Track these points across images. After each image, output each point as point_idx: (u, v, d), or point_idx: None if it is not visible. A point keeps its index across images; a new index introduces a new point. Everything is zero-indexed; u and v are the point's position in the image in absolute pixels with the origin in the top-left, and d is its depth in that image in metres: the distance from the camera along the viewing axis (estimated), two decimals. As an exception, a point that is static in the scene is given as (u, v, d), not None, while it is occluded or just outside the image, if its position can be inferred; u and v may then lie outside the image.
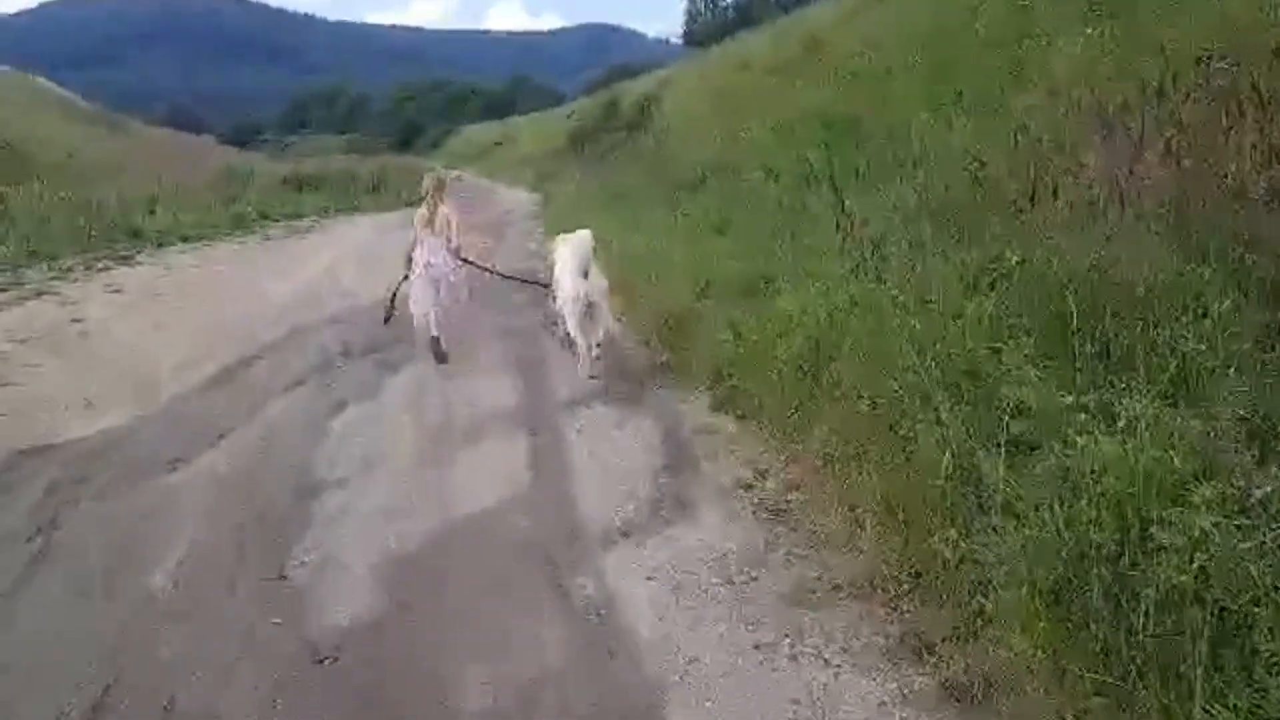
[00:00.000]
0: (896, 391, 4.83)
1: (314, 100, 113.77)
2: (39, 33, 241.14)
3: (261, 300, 11.73)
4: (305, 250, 17.28)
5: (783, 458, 5.53)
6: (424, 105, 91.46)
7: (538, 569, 4.46)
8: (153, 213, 20.38)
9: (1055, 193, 6.43)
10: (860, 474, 4.62)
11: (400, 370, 8.49)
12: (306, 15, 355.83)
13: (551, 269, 8.42)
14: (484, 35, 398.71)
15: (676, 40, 63.76)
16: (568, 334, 7.88)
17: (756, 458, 5.67)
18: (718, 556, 4.46)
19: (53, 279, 13.59)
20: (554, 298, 8.21)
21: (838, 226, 7.75)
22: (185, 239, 18.65)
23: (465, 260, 9.10)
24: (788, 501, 4.97)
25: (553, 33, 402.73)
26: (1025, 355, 4.60)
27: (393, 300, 9.16)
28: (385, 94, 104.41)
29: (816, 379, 5.73)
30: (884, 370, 5.10)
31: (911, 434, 4.49)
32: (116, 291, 12.73)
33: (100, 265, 15.12)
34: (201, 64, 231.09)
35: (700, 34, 56.41)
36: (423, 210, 8.90)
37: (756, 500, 5.06)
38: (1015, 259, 5.50)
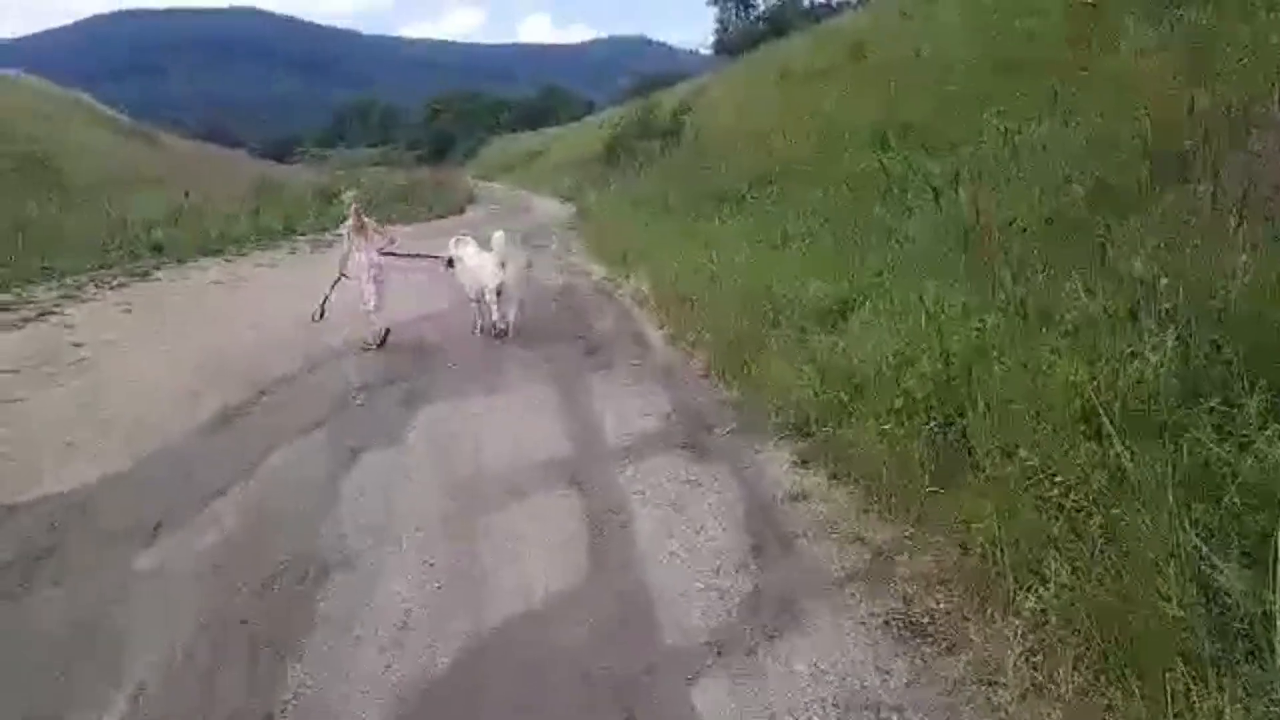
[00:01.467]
0: (1072, 460, 3.68)
1: (349, 113, 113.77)
2: (83, 45, 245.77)
3: (277, 322, 10.69)
4: (329, 266, 16.27)
5: (905, 538, 4.36)
6: (457, 117, 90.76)
7: (606, 711, 3.34)
8: (177, 226, 19.59)
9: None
10: (1033, 578, 3.47)
11: (426, 405, 7.40)
12: (344, 30, 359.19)
13: (461, 262, 10.07)
14: (515, 48, 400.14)
15: (706, 50, 62.63)
16: (479, 312, 9.96)
17: (867, 537, 4.50)
18: (847, 696, 3.31)
19: (62, 297, 12.67)
20: (468, 285, 10.00)
21: (966, 243, 6.54)
22: (208, 253, 17.79)
23: (391, 253, 10.30)
24: (929, 612, 3.78)
25: (582, 44, 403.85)
26: (1252, 415, 3.45)
27: (324, 304, 9.93)
28: (419, 106, 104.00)
29: (944, 435, 4.59)
30: (1045, 432, 3.96)
31: (1107, 527, 3.34)
32: (126, 311, 11.79)
33: (115, 282, 14.22)
34: (240, 78, 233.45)
35: (731, 43, 55.43)
36: (352, 222, 9.96)
37: (883, 606, 3.87)
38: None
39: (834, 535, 4.59)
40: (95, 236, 17.13)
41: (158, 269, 15.69)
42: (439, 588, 4.32)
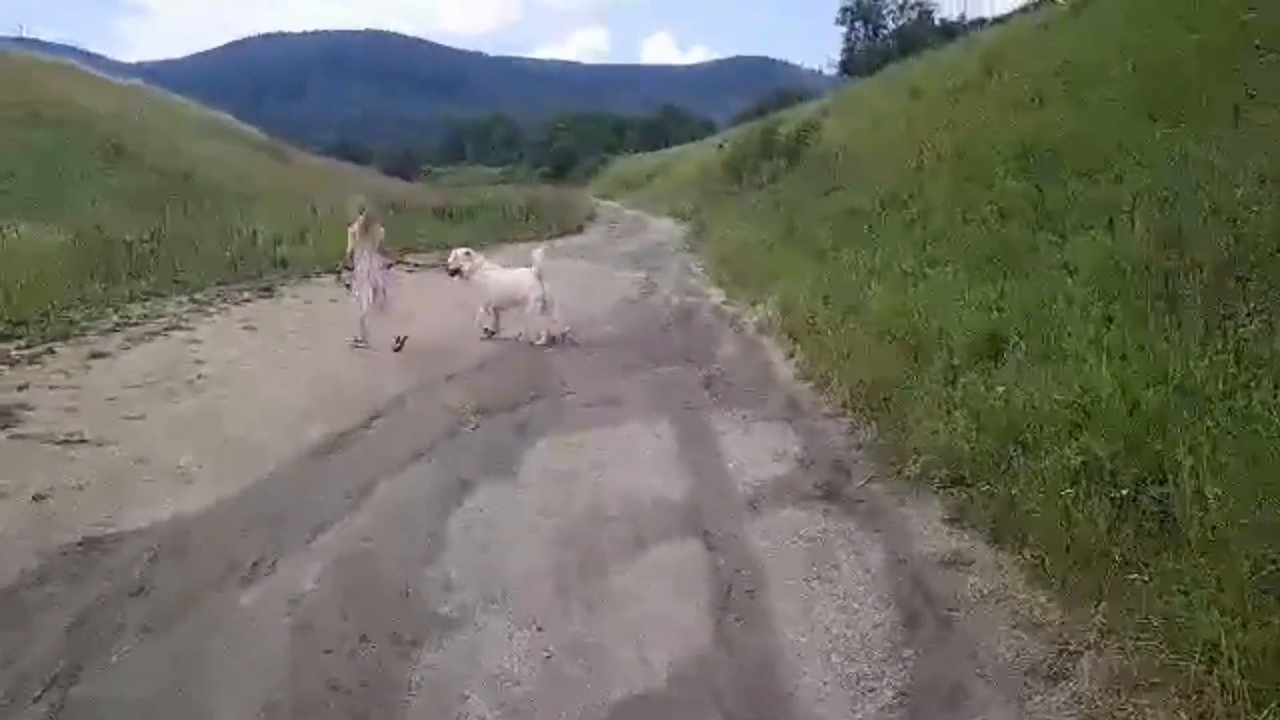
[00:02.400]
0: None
1: (472, 132, 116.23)
2: (230, 66, 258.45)
3: (390, 341, 10.49)
4: (449, 285, 16.16)
5: (1092, 625, 3.70)
6: (578, 136, 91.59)
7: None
8: (303, 241, 19.83)
9: None
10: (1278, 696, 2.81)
11: (541, 437, 6.99)
12: (471, 51, 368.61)
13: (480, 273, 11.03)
14: (638, 68, 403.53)
15: (831, 70, 61.73)
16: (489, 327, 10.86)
17: (1043, 619, 3.86)
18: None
19: (189, 312, 12.74)
20: (494, 295, 10.87)
21: (1146, 275, 5.83)
22: (331, 269, 17.86)
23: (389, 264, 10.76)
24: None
25: (704, 65, 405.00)
26: None
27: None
28: (542, 125, 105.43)
29: (1135, 502, 3.92)
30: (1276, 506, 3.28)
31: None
32: (248, 328, 11.76)
33: (241, 297, 14.30)
34: (372, 97, 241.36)
35: (858, 62, 54.54)
36: (355, 228, 10.34)
37: (1074, 713, 3.25)
38: None
39: (1001, 614, 3.96)
40: (224, 251, 17.37)
41: (282, 284, 15.79)
42: (548, 657, 3.85)
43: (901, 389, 6.66)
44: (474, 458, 6.55)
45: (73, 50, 51.71)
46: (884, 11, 60.51)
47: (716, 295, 13.57)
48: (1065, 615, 3.84)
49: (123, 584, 4.61)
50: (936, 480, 5.38)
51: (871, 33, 60.24)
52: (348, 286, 10.61)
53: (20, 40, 40.60)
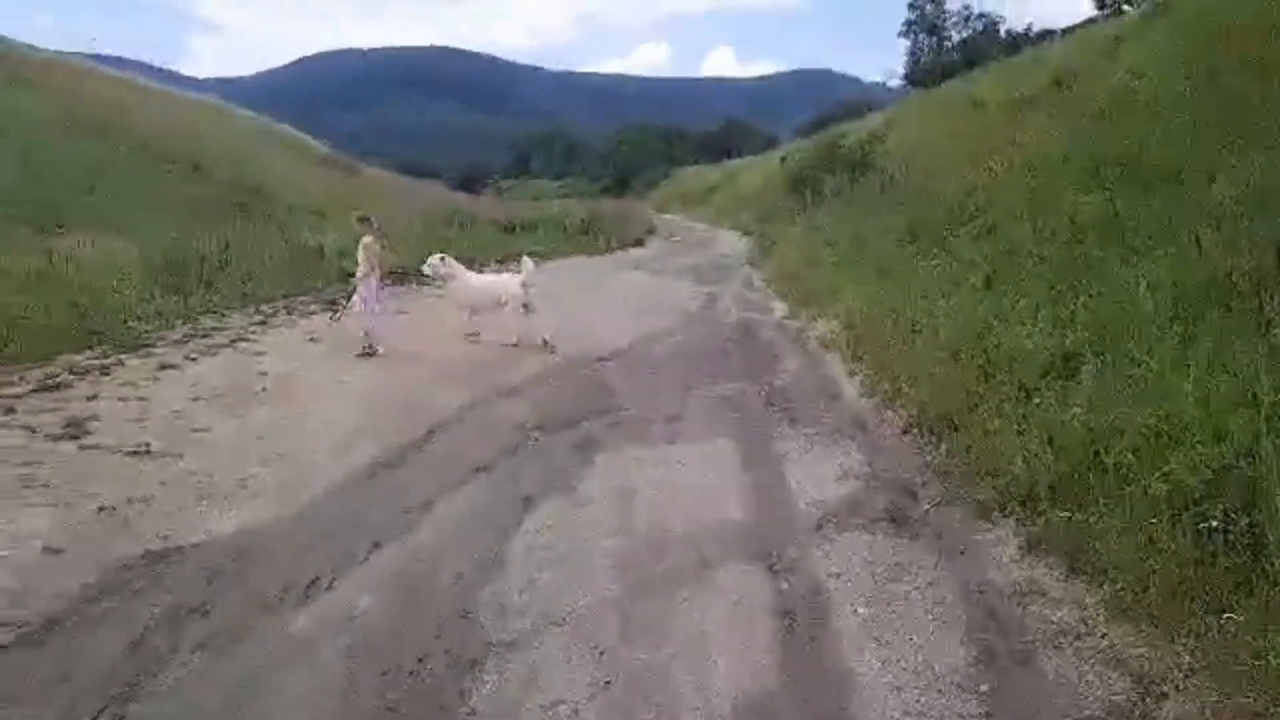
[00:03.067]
0: None
1: (535, 145, 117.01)
2: (299, 81, 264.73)
3: (450, 357, 10.51)
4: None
5: (1178, 664, 3.51)
6: (639, 149, 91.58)
7: None
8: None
9: None
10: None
11: (601, 453, 6.92)
12: (534, 66, 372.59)
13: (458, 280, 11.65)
14: (699, 81, 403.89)
15: (895, 83, 61.02)
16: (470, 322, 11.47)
17: (1125, 655, 3.68)
18: None
19: (255, 325, 12.90)
20: (475, 299, 11.49)
21: (1232, 295, 5.58)
22: (398, 283, 18.01)
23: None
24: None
25: (766, 78, 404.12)
26: None
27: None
28: (603, 139, 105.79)
29: (1224, 534, 3.72)
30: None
31: None
32: (312, 340, 11.87)
33: (307, 309, 14.46)
34: (436, 111, 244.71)
35: (922, 75, 53.88)
36: (367, 240, 10.97)
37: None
38: None
39: (1081, 649, 3.78)
40: (291, 263, 17.59)
41: (346, 297, 15.92)
42: (608, 684, 3.76)
43: (970, 408, 6.47)
44: (534, 474, 6.50)
45: (146, 66, 53.13)
46: (948, 23, 59.83)
47: (779, 310, 13.40)
48: (1149, 652, 3.65)
49: (182, 600, 4.62)
50: (1009, 505, 5.19)
51: (935, 45, 59.55)
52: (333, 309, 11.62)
53: (94, 56, 41.71)
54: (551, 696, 3.70)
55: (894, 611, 4.26)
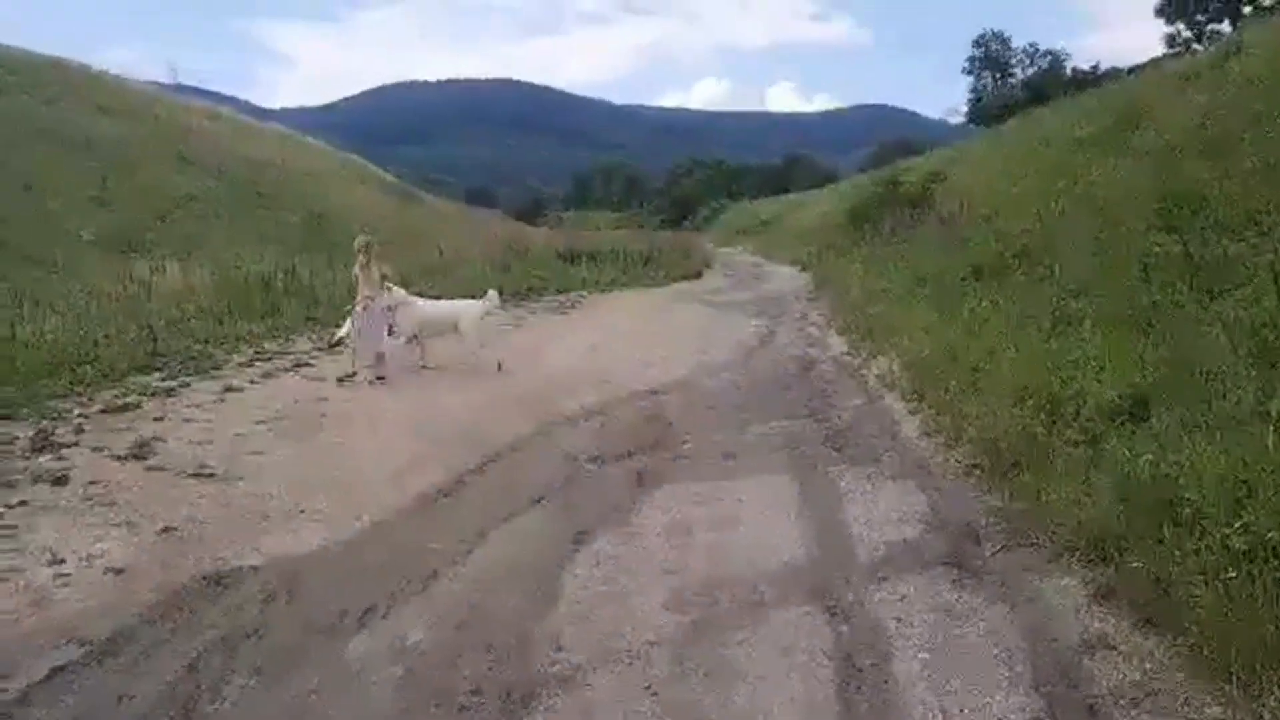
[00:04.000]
0: None
1: (595, 177, 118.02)
2: (368, 112, 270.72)
3: (509, 384, 10.56)
4: (566, 327, 16.28)
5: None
6: (699, 182, 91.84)
7: None
8: (430, 283, 20.28)
9: None
10: None
11: (657, 487, 6.87)
12: (595, 99, 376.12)
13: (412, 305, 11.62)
14: (760, 116, 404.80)
15: (957, 120, 60.71)
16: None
17: (1201, 716, 3.53)
18: None
19: (318, 349, 13.08)
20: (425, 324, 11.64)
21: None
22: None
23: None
24: None
25: (827, 113, 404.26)
26: None
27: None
28: (662, 172, 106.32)
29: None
30: None
31: None
32: (367, 364, 11.99)
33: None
34: (499, 143, 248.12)
35: (986, 111, 53.52)
36: (357, 268, 11.27)
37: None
38: None
39: (1154, 708, 3.63)
40: (354, 289, 17.84)
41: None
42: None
43: (1036, 451, 6.31)
44: (589, 507, 6.47)
45: (221, 97, 54.64)
46: (1013, 61, 59.46)
47: (838, 346, 13.26)
48: (1228, 713, 3.50)
49: (239, 623, 4.66)
50: (1077, 553, 5.04)
51: (1000, 82, 59.17)
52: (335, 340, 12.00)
53: (173, 87, 43.09)
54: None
55: (957, 659, 4.13)
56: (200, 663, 4.26)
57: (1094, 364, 7.37)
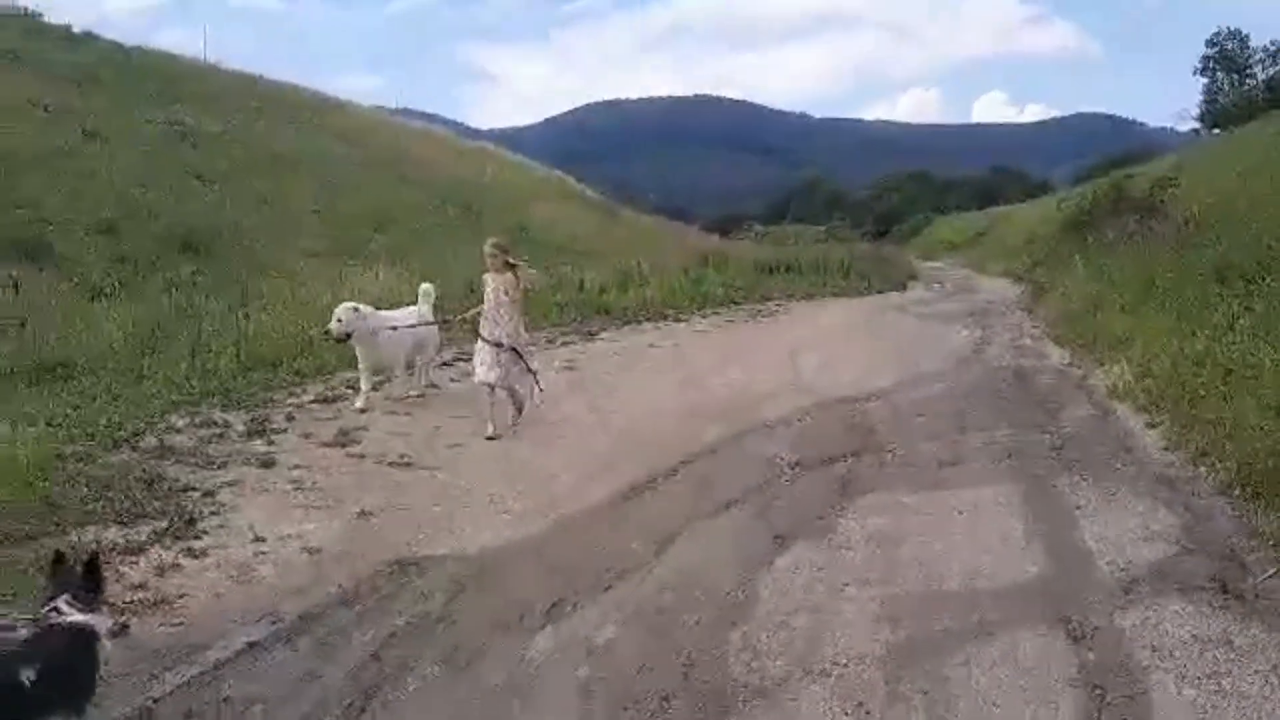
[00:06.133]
0: None
1: (794, 192, 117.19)
2: (574, 130, 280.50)
3: (707, 389, 10.27)
4: (766, 336, 15.89)
5: None
6: (903, 196, 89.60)
7: None
8: (626, 291, 20.39)
9: None
10: None
11: (862, 496, 6.37)
12: (798, 114, 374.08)
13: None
14: (968, 128, 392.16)
15: (1187, 125, 56.27)
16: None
17: None
18: None
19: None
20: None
21: None
22: (651, 318, 18.17)
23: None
24: None
25: (1040, 123, 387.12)
26: None
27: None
28: (865, 186, 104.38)
29: None
30: None
31: None
32: (567, 368, 11.97)
33: (563, 340, 14.75)
34: (698, 159, 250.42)
35: (1222, 115, 49.55)
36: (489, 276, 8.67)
37: None
38: None
39: None
40: (553, 297, 18.12)
41: (604, 330, 16.15)
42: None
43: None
44: (787, 513, 6.07)
45: (437, 118, 57.29)
46: (1251, 60, 54.81)
47: (1058, 356, 12.29)
48: None
49: (426, 611, 4.57)
50: (1368, 584, 4.26)
51: (1237, 83, 54.70)
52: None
53: (397, 110, 45.57)
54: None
55: (1228, 697, 3.50)
56: (386, 648, 4.15)
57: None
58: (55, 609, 3.19)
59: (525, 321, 8.85)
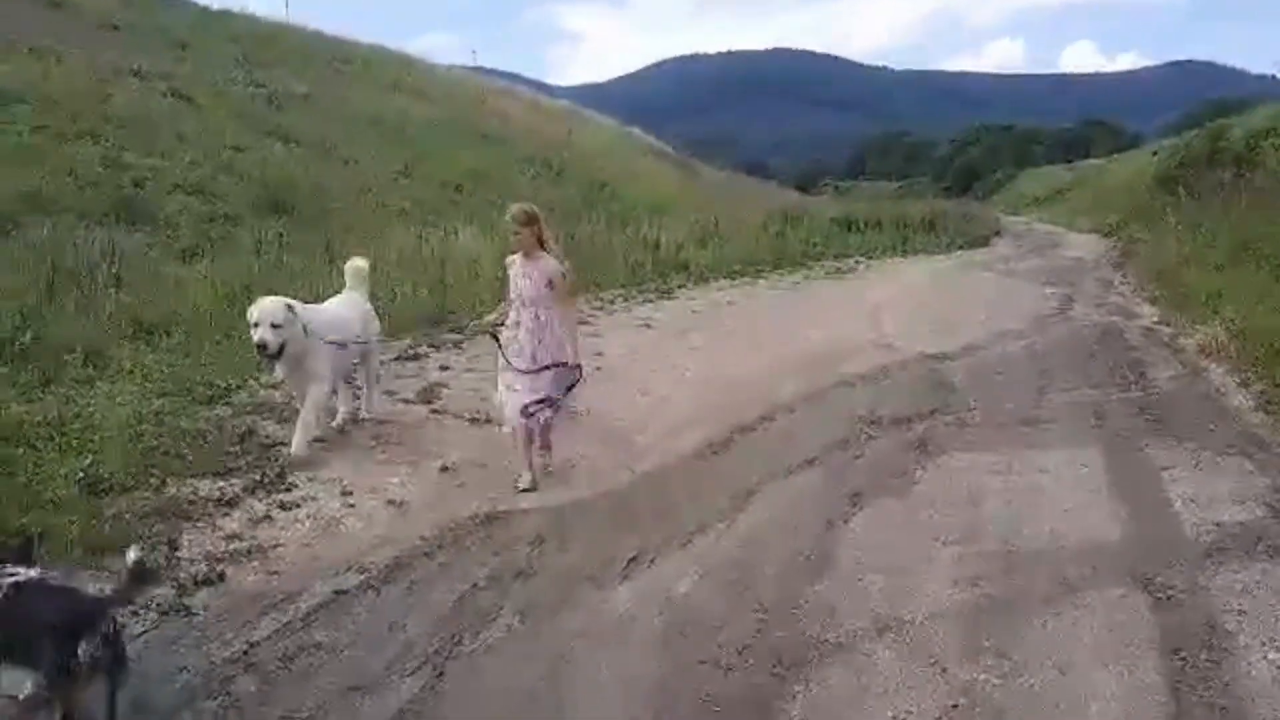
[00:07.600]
0: None
1: (875, 147, 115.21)
2: (651, 86, 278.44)
3: (786, 347, 10.23)
4: (845, 293, 15.71)
5: None
6: (987, 150, 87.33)
7: None
8: (704, 248, 20.31)
9: None
10: None
11: (943, 452, 6.32)
12: (879, 66, 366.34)
13: None
14: (1056, 78, 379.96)
15: (1295, 71, 53.74)
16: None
17: None
18: None
19: (594, 310, 13.29)
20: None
21: None
22: (729, 275, 18.09)
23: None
24: None
25: (1132, 72, 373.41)
26: None
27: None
28: (947, 140, 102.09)
29: None
30: None
31: None
32: (646, 326, 12.02)
33: (642, 298, 14.77)
34: (778, 113, 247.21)
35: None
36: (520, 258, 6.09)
37: None
38: None
39: None
40: (630, 256, 18.12)
41: (679, 288, 16.13)
42: (955, 707, 3.27)
43: None
44: (866, 470, 6.05)
45: (516, 77, 57.47)
46: (1365, 1, 52.00)
47: (1147, 315, 11.96)
48: None
49: (507, 564, 4.67)
50: None
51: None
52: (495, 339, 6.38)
53: (474, 69, 45.80)
54: (887, 713, 3.28)
55: (1321, 661, 3.44)
56: (468, 599, 4.27)
57: None
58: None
59: (573, 323, 6.35)
